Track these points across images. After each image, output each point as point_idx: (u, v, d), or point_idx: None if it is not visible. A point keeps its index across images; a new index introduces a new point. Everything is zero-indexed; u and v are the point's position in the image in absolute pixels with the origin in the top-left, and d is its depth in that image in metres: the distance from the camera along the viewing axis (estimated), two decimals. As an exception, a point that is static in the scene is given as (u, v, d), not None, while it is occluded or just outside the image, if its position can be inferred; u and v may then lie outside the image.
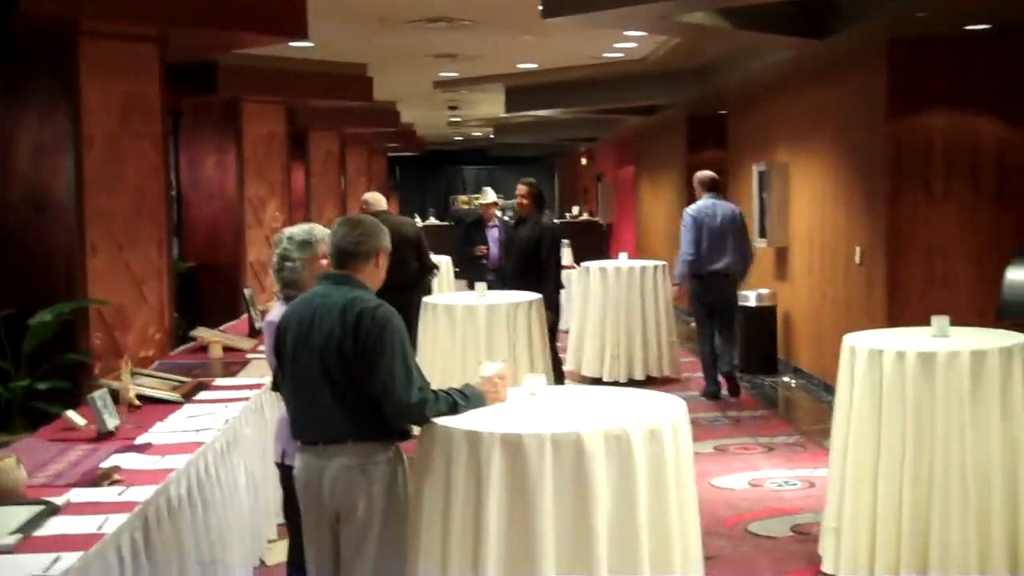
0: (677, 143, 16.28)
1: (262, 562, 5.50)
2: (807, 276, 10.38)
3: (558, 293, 8.93)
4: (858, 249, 8.95)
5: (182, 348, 7.38)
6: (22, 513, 3.49)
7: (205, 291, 11.22)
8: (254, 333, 7.82)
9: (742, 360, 10.96)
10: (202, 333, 7.28)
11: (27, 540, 3.29)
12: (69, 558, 3.12)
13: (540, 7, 7.32)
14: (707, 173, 10.00)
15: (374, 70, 12.65)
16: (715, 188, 9.78)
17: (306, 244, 4.47)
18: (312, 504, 3.83)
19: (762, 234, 11.20)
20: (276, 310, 4.42)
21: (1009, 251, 7.67)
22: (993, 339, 4.92)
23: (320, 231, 4.47)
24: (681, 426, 3.50)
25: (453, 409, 3.60)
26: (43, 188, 7.04)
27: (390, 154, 25.99)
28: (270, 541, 5.69)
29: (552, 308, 8.45)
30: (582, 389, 4.18)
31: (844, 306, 9.36)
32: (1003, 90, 8.26)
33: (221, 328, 8.12)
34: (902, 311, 8.22)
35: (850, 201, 9.23)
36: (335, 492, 3.71)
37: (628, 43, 11.39)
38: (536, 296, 7.55)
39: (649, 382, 9.78)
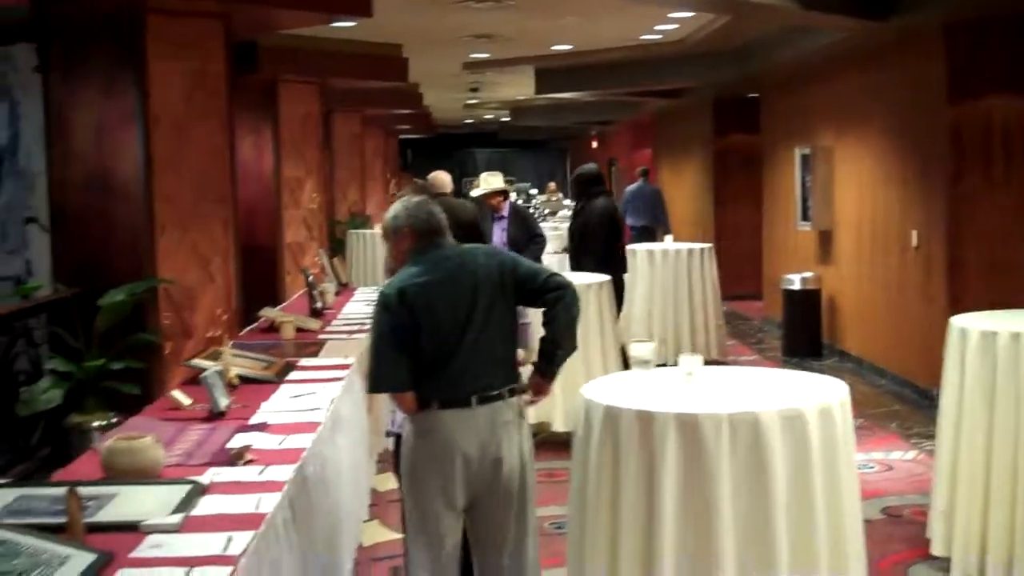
0: (702, 126, 16.24)
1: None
2: (854, 259, 10.34)
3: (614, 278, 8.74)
4: (915, 233, 8.91)
5: (248, 329, 7.30)
6: (173, 492, 3.43)
7: (243, 273, 11.14)
8: (315, 314, 7.76)
9: (786, 343, 10.96)
10: (270, 313, 7.20)
11: (188, 520, 3.23)
12: (241, 537, 3.06)
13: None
14: (643, 167, 17.01)
15: (408, 51, 12.55)
16: (646, 176, 16.31)
17: None
18: (455, 463, 3.83)
19: (804, 217, 11.16)
20: None
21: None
22: (1104, 321, 4.87)
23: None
24: (847, 406, 3.46)
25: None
26: (106, 167, 6.94)
27: (401, 136, 25.91)
28: (364, 521, 5.64)
29: None
30: (734, 370, 4.12)
31: (897, 290, 9.32)
32: (1064, 73, 8.24)
33: (280, 308, 8.07)
34: (963, 295, 8.18)
35: (905, 185, 9.18)
36: (489, 450, 3.83)
37: (670, 25, 11.32)
38: (604, 278, 7.49)
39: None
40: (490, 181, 8.72)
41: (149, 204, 6.77)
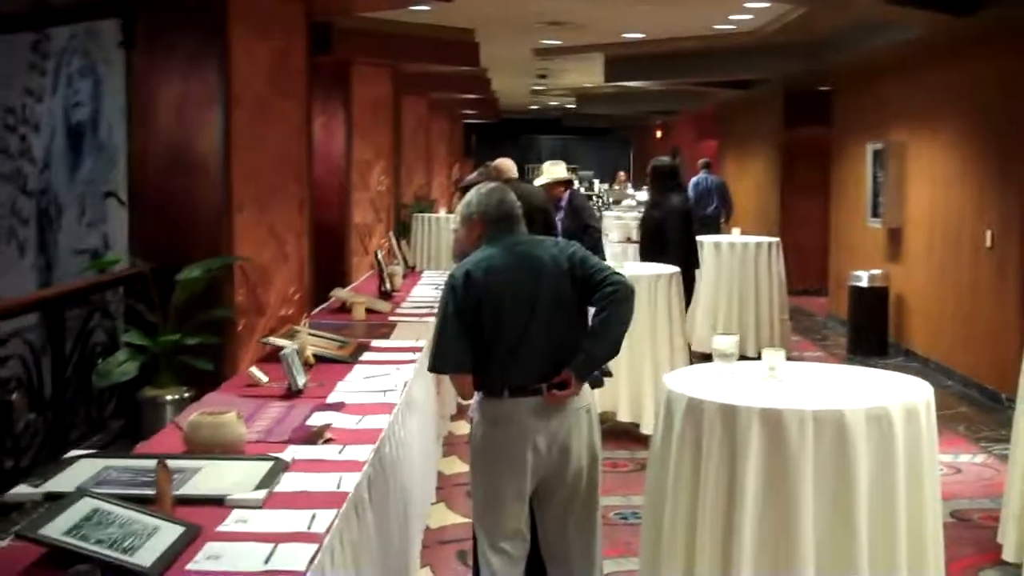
0: (772, 119, 16.11)
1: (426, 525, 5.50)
2: (925, 258, 10.22)
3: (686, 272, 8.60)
4: (989, 232, 8.78)
5: (319, 308, 7.37)
6: (256, 468, 3.48)
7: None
8: (384, 296, 7.82)
9: (851, 340, 10.87)
10: (341, 294, 7.27)
11: (272, 496, 3.28)
12: (324, 515, 3.11)
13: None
14: (705, 159, 16.91)
15: (479, 36, 12.56)
16: (708, 168, 16.26)
17: None
18: (526, 450, 3.85)
19: (875, 214, 11.05)
20: None
21: None
22: None
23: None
24: (931, 406, 3.43)
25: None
26: (187, 144, 7.01)
27: (465, 121, 25.96)
28: (431, 504, 5.70)
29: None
30: (816, 366, 4.10)
31: (969, 289, 9.20)
32: None
33: (349, 289, 8.14)
34: (1039, 297, 8.07)
35: (980, 184, 9.05)
36: (558, 437, 3.85)
37: (745, 15, 11.23)
38: (674, 269, 7.47)
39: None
40: (552, 170, 8.17)
41: (227, 182, 6.84)
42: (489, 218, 4.04)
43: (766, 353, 3.64)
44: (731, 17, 11.41)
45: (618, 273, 3.89)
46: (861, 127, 12.09)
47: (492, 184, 4.25)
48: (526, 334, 3.85)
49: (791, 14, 10.80)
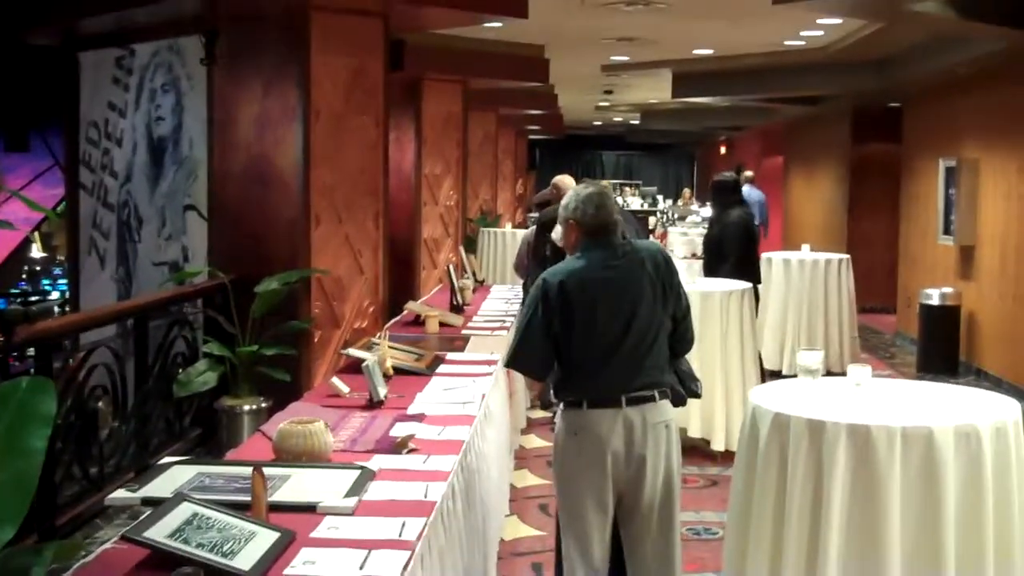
0: (839, 135, 16.01)
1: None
2: (998, 276, 10.10)
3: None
4: (1065, 251, 8.69)
5: (393, 321, 7.46)
6: (344, 476, 3.55)
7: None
8: (455, 309, 7.88)
9: (921, 359, 10.76)
10: (414, 307, 7.35)
11: (361, 504, 3.34)
12: (414, 523, 3.16)
13: (771, -8, 7.22)
14: (748, 173, 17.57)
15: (549, 52, 12.63)
16: (752, 183, 16.89)
17: None
18: (605, 461, 3.87)
19: (946, 231, 10.94)
20: None
21: None
22: None
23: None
24: (1020, 425, 3.42)
25: None
26: (266, 159, 7.18)
27: (530, 137, 26.04)
28: (505, 516, 5.74)
29: None
30: (902, 383, 4.09)
31: (1044, 309, 9.09)
32: None
33: (421, 302, 8.22)
34: (1117, 317, 7.96)
35: (1057, 201, 8.95)
36: (635, 449, 3.85)
37: (816, 31, 11.19)
38: (746, 286, 7.47)
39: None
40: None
41: (306, 196, 6.99)
42: (584, 226, 4.02)
43: (852, 368, 3.65)
44: (802, 33, 11.36)
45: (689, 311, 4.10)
46: (932, 144, 11.99)
47: (591, 188, 4.12)
48: (614, 347, 3.86)
49: (863, 31, 10.73)
